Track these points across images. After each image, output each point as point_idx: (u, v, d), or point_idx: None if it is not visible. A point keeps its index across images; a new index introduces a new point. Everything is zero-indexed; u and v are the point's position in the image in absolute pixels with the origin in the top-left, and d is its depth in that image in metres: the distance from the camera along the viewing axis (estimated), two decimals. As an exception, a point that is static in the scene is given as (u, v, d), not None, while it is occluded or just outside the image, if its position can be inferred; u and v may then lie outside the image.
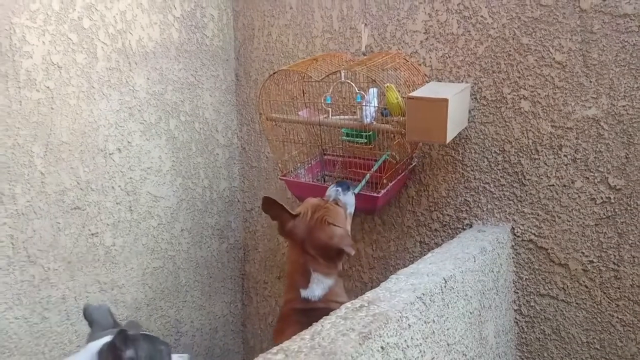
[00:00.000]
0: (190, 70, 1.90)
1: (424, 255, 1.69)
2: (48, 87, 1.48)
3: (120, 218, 1.70)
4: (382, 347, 0.80)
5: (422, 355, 0.94)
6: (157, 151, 1.81)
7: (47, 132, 1.49)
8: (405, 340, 0.88)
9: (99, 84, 1.60)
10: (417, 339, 0.93)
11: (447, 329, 1.07)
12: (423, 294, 0.96)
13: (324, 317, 0.86)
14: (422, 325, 0.95)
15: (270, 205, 1.44)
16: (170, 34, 1.81)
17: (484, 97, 1.56)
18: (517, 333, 1.57)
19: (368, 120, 1.51)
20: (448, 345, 1.07)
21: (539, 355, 1.55)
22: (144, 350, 0.91)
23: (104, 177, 1.65)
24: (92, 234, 1.62)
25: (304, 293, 1.37)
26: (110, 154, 1.66)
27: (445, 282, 1.06)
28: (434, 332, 1.00)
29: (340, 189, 1.49)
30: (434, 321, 1.00)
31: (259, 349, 2.20)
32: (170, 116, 1.85)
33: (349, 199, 1.50)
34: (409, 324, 0.90)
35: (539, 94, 1.47)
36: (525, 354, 1.57)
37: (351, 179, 1.72)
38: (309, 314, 1.33)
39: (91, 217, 1.62)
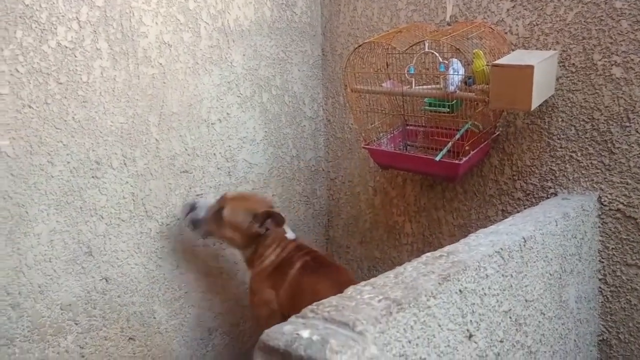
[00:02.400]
0: (281, 47, 2.03)
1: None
2: (160, 64, 1.68)
3: (221, 182, 1.89)
4: (460, 290, 0.88)
5: (499, 305, 1.01)
6: (252, 122, 1.98)
7: (160, 104, 1.69)
8: (483, 288, 0.95)
9: (202, 60, 1.78)
10: (494, 289, 0.99)
11: (526, 286, 1.12)
12: (501, 249, 1.02)
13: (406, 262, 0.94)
14: (500, 277, 1.02)
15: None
16: (264, 12, 1.95)
17: (573, 64, 1.54)
18: (601, 302, 1.56)
19: (452, 88, 1.55)
20: (526, 301, 1.12)
21: (623, 324, 1.54)
22: None
23: (207, 145, 1.84)
24: (198, 195, 1.83)
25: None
26: (212, 124, 1.84)
27: (525, 241, 1.11)
28: (511, 285, 1.06)
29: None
30: (511, 276, 1.06)
31: (341, 310, 2.34)
32: (263, 90, 2.00)
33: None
34: (486, 274, 0.97)
35: (632, 59, 1.43)
36: (610, 323, 1.56)
37: (433, 148, 1.78)
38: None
39: (197, 180, 1.82)
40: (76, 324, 1.57)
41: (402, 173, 2.03)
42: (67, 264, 1.53)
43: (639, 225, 1.48)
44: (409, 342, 0.75)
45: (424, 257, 0.96)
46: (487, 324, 0.97)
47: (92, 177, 1.56)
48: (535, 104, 1.43)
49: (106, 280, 1.62)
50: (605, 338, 1.57)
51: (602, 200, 1.54)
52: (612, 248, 1.54)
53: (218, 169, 1.88)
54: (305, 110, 2.18)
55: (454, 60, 1.55)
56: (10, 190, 1.41)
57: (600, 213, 1.54)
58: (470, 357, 0.91)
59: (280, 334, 0.64)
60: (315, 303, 0.74)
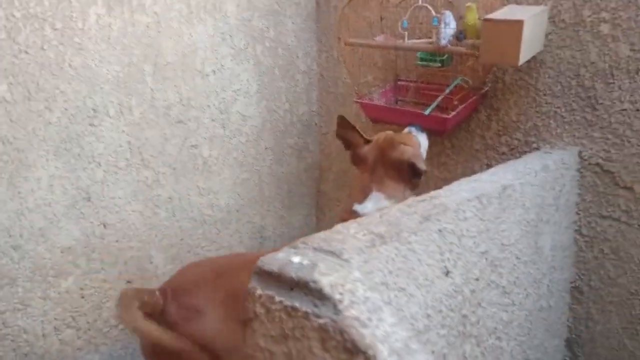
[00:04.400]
0: (275, -2, 2.03)
1: (490, 176, 1.78)
2: (155, 12, 1.68)
3: (215, 133, 1.93)
4: (439, 230, 0.95)
5: (476, 246, 1.08)
6: (246, 75, 2.00)
7: (155, 53, 1.71)
8: (461, 229, 1.02)
9: (196, 9, 1.78)
10: (472, 231, 1.07)
11: (502, 231, 1.20)
12: (481, 194, 1.09)
13: None
14: (478, 221, 1.09)
15: (344, 126, 1.55)
16: (258, -38, 1.93)
17: (563, 20, 1.57)
18: (575, 251, 1.65)
19: (444, 42, 1.58)
20: (502, 245, 1.20)
21: (594, 272, 1.64)
22: None
23: (202, 96, 1.87)
24: (192, 146, 1.87)
25: (356, 206, 1.44)
26: (206, 75, 1.87)
27: (504, 188, 1.17)
28: (488, 229, 1.13)
29: (414, 128, 1.58)
30: (489, 220, 1.13)
31: (331, 260, 2.43)
32: (256, 42, 2.01)
33: (422, 139, 1.59)
34: (465, 217, 1.04)
35: (621, 16, 1.47)
36: (582, 271, 1.66)
37: (423, 104, 1.82)
38: None
39: (192, 131, 1.86)
40: (76, 267, 1.64)
41: (393, 127, 2.08)
42: (66, 208, 1.58)
43: (616, 179, 1.56)
44: (390, 272, 0.82)
45: (408, 200, 1.02)
46: (463, 263, 1.04)
47: (90, 124, 1.59)
48: (523, 59, 1.47)
49: (104, 226, 1.68)
50: (577, 285, 1.67)
51: (583, 154, 1.60)
52: (589, 201, 1.61)
53: (212, 120, 1.92)
54: (299, 63, 2.20)
55: (447, 13, 1.58)
56: (10, 136, 1.44)
57: (579, 167, 1.61)
58: (447, 291, 0.99)
59: (274, 259, 0.71)
60: (305, 237, 0.80)
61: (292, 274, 0.67)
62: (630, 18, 1.45)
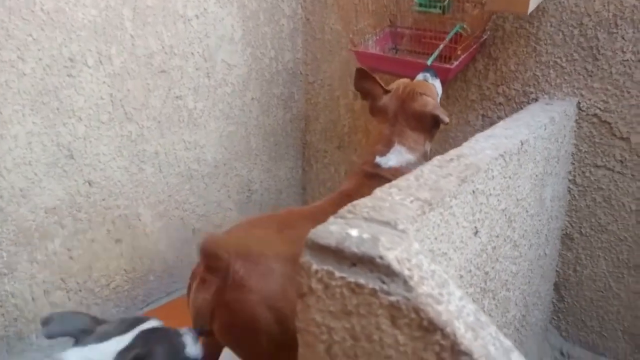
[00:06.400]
0: None
1: (485, 128, 1.78)
2: (133, -52, 1.51)
3: (200, 84, 1.81)
4: (473, 191, 0.93)
5: (499, 204, 1.08)
6: (230, 19, 1.86)
7: (134, -5, 1.55)
8: (489, 189, 1.01)
9: (178, -55, 1.61)
10: (496, 190, 1.05)
11: (518, 186, 1.19)
12: (505, 152, 1.06)
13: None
14: (502, 179, 1.07)
15: (363, 78, 1.47)
16: None
17: (569, -35, 1.52)
18: (569, 200, 1.69)
19: (449, -13, 1.50)
20: (517, 200, 1.20)
21: (586, 220, 1.69)
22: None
23: (185, 43, 1.73)
24: (177, 97, 1.75)
25: (378, 159, 1.41)
26: (189, 20, 1.72)
27: (522, 144, 1.16)
28: (509, 186, 1.12)
29: (429, 74, 1.52)
30: (510, 177, 1.12)
31: (317, 211, 2.41)
32: (241, -18, 1.86)
33: (438, 85, 1.53)
34: (493, 176, 1.02)
35: (629, -38, 1.43)
36: (574, 219, 1.71)
37: (420, 52, 1.76)
38: (372, 177, 1.41)
39: (175, 81, 1.73)
40: (62, 228, 1.54)
41: (385, 77, 2.01)
42: (48, 167, 1.46)
43: (612, 130, 1.58)
44: (436, 238, 0.80)
45: (435, 161, 0.99)
46: (489, 221, 1.03)
47: (67, 75, 1.44)
48: (532, 6, 1.42)
49: (89, 184, 1.57)
50: (568, 232, 1.73)
51: (581, 105, 1.61)
52: (585, 151, 1.64)
53: (197, 69, 1.79)
54: (284, 7, 2.06)
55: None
56: (-21, 89, 1.29)
57: (577, 118, 1.62)
58: (475, 251, 0.99)
59: (328, 232, 0.66)
60: (350, 204, 0.75)
61: (354, 248, 0.63)
62: (638, -35, 1.41)
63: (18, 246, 1.45)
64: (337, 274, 0.64)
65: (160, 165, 1.76)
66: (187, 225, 1.91)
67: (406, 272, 0.61)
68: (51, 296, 1.55)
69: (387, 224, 0.69)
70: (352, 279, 0.63)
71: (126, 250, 1.73)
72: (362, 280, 0.62)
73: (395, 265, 0.61)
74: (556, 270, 1.78)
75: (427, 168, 0.94)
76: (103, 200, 1.62)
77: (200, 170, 1.90)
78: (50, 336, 0.93)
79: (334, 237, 0.65)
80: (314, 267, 0.66)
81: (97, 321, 0.99)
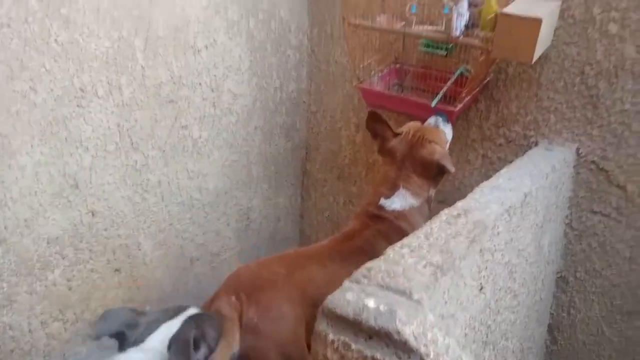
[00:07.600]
0: (270, -33, 1.89)
1: (485, 168, 1.81)
2: (147, -18, 1.52)
3: (206, 113, 1.82)
4: (480, 250, 0.95)
5: (502, 258, 1.10)
6: (238, 50, 1.88)
7: (146, 27, 1.56)
8: (494, 245, 1.03)
9: (191, -21, 1.63)
10: (501, 245, 1.07)
11: (520, 238, 1.22)
12: (510, 207, 1.09)
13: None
14: (506, 233, 1.09)
15: (375, 120, 1.51)
16: None
17: (572, 15, 1.56)
18: (565, 244, 1.72)
19: (458, 32, 1.53)
20: (519, 251, 1.23)
21: (581, 264, 1.72)
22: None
23: (193, 73, 1.74)
24: (183, 127, 1.76)
25: (383, 201, 1.44)
26: (198, 50, 1.74)
27: (525, 197, 1.19)
28: (512, 239, 1.15)
29: (441, 118, 1.55)
30: (513, 230, 1.14)
31: (314, 239, 2.43)
32: (250, 14, 1.88)
33: (448, 131, 1.56)
34: (498, 232, 1.04)
35: (631, 17, 1.47)
36: (569, 263, 1.74)
37: (423, 90, 1.79)
38: (376, 219, 1.43)
39: (182, 111, 1.74)
40: (63, 258, 1.54)
41: (386, 112, 2.04)
42: (53, 197, 1.46)
43: (610, 178, 1.61)
44: (445, 302, 0.82)
45: (443, 216, 1.01)
46: (493, 276, 1.05)
47: (77, 105, 1.45)
48: (536, 56, 1.46)
49: (92, 214, 1.57)
50: (563, 275, 1.76)
51: (580, 152, 1.64)
52: (582, 196, 1.67)
53: (203, 99, 1.81)
54: (291, 38, 2.09)
55: (464, 2, 1.52)
56: (-10, 120, 1.29)
57: (576, 164, 1.65)
58: (479, 307, 1.01)
59: (345, 301, 0.67)
60: (363, 267, 0.77)
61: (372, 322, 0.64)
62: (639, 20, 1.46)
63: (19, 277, 1.44)
64: (354, 346, 0.65)
65: (162, 194, 1.76)
66: (185, 254, 1.91)
67: (422, 349, 0.62)
68: (48, 327, 1.53)
69: (402, 293, 0.71)
70: (368, 353, 0.64)
71: (125, 280, 1.72)
72: (378, 355, 0.64)
73: (412, 342, 0.62)
74: (550, 313, 1.80)
75: (435, 225, 0.96)
76: (105, 230, 1.62)
77: (201, 199, 1.91)
78: (100, 335, 1.07)
79: (351, 308, 0.67)
80: (331, 336, 0.67)
81: (138, 313, 1.10)
